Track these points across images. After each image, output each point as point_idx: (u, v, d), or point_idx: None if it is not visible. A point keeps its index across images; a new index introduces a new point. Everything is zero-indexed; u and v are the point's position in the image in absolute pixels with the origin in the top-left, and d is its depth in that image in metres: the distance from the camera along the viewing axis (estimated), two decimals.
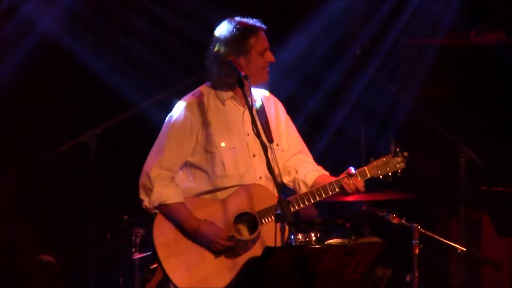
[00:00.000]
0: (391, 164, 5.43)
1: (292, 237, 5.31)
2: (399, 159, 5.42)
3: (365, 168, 5.42)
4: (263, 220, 5.35)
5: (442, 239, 6.25)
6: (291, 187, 5.62)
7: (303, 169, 5.59)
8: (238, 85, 5.27)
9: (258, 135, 5.16)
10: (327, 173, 5.62)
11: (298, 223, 6.26)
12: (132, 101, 7.62)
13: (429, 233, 6.22)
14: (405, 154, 5.43)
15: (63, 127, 8.22)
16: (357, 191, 5.41)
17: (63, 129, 8.16)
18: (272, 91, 5.70)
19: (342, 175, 5.43)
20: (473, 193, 6.50)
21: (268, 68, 5.48)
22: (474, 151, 6.49)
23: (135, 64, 8.20)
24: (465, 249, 6.19)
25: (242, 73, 5.25)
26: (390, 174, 5.43)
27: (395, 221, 6.30)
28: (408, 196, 7.06)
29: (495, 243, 7.97)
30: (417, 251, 6.18)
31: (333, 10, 8.40)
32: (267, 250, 4.84)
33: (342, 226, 6.40)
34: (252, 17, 5.52)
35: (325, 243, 6.26)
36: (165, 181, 5.40)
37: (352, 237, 5.65)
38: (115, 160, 8.02)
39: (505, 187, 6.32)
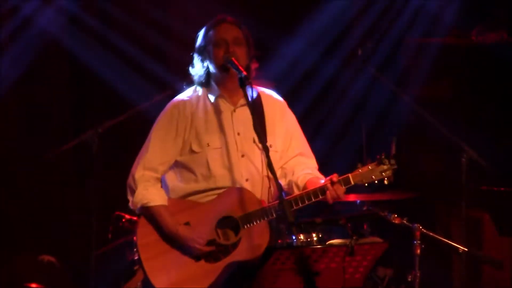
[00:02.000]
0: (376, 172, 5.21)
1: (294, 237, 5.30)
2: (385, 167, 5.20)
3: (349, 175, 5.22)
4: (245, 225, 5.26)
5: (443, 239, 6.25)
6: (287, 190, 5.47)
7: (299, 171, 5.45)
8: (240, 84, 5.22)
9: (258, 134, 5.16)
10: (320, 175, 5.44)
11: (299, 223, 6.29)
12: (133, 100, 7.61)
13: (431, 233, 6.22)
14: (392, 162, 5.21)
15: (64, 126, 8.21)
16: (338, 198, 5.20)
17: (64, 129, 8.16)
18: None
19: (325, 181, 5.23)
20: (474, 193, 6.49)
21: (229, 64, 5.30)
22: (475, 151, 6.48)
23: (136, 63, 8.20)
24: (466, 249, 6.18)
25: (244, 73, 5.20)
26: (376, 182, 5.22)
27: (397, 221, 6.29)
28: (409, 196, 7.05)
29: (496, 243, 7.97)
30: (418, 251, 6.18)
31: (333, 10, 8.39)
32: (269, 250, 4.83)
33: (343, 226, 6.39)
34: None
35: (327, 243, 6.24)
36: (148, 182, 5.36)
37: (354, 238, 5.66)
38: (116, 159, 8.01)
39: (506, 186, 6.30)
